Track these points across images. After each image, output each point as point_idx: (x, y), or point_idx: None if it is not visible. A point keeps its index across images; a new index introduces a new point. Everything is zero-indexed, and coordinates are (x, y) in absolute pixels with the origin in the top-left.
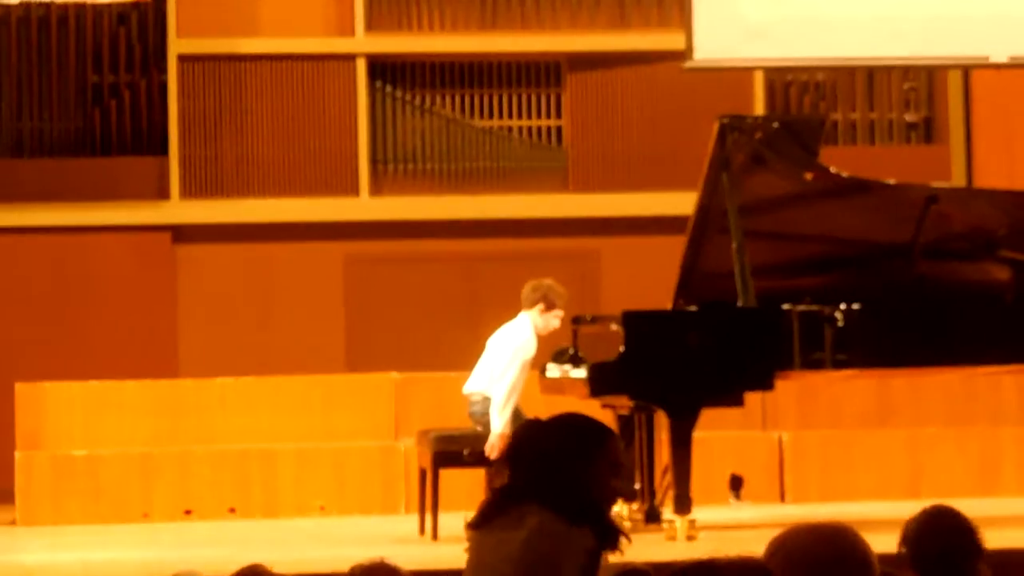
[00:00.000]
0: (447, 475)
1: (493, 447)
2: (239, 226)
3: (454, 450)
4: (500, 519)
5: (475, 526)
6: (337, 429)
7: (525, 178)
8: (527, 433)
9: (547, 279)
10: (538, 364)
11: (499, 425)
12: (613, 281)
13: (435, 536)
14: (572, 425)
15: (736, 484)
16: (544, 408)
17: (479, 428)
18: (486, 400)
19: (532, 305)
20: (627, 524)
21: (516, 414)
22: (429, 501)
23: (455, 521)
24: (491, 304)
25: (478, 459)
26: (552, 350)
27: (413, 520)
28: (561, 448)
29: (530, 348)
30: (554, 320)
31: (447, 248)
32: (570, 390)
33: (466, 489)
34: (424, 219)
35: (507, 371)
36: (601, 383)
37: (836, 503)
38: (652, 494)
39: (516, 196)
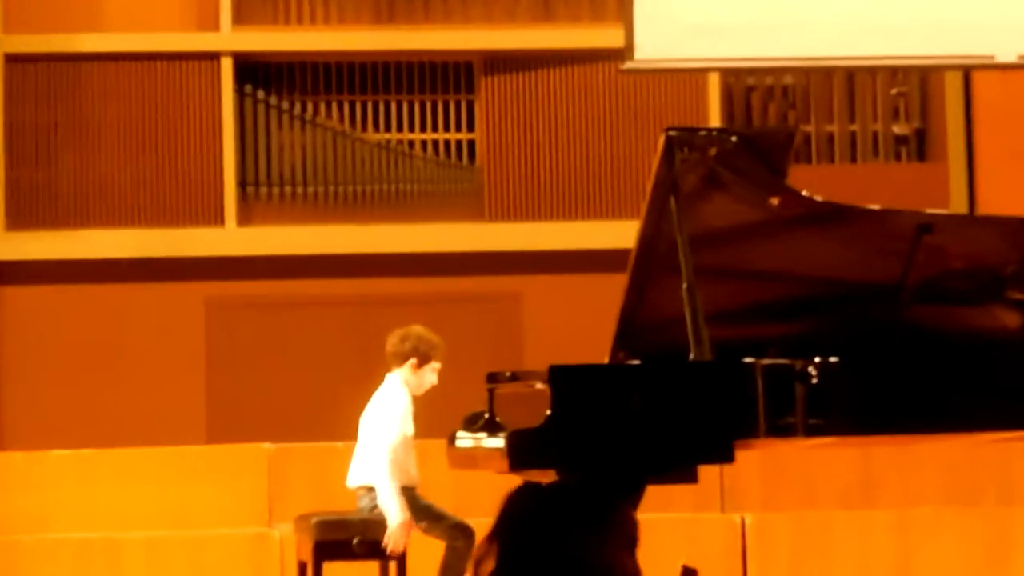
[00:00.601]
0: (333, 570)
1: (395, 540)
2: (76, 263)
3: (341, 538)
4: None
5: None
6: (197, 513)
7: (429, 204)
8: (519, 504)
9: (415, 326)
10: (445, 431)
11: (395, 513)
12: (537, 329)
13: None
14: (574, 493)
15: None
16: (451, 486)
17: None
18: (371, 492)
19: (402, 361)
20: None
21: (413, 500)
22: None
23: None
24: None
25: (370, 550)
26: (462, 415)
27: None
28: (564, 522)
29: (405, 411)
30: (430, 375)
31: (332, 290)
32: (485, 463)
33: None
34: (304, 254)
35: (384, 447)
36: (523, 454)
37: None
38: None
39: (418, 226)
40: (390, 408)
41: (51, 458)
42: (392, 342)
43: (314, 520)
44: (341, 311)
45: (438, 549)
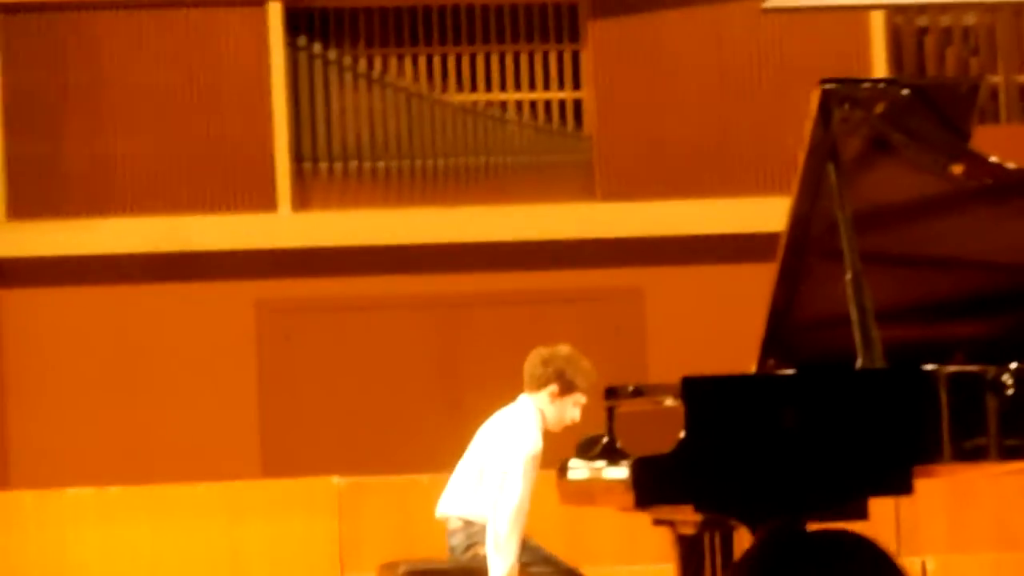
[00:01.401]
0: None
1: None
2: (92, 259)
3: None
4: None
5: None
6: (251, 563)
7: (528, 181)
8: (773, 554)
9: (564, 347)
10: (556, 458)
11: (502, 567)
12: (663, 332)
13: None
14: (850, 552)
15: None
16: (562, 526)
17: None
18: (471, 526)
19: (540, 386)
20: None
21: (524, 545)
22: None
23: None
24: (477, 372)
25: None
26: (577, 439)
27: None
28: None
29: (535, 450)
30: (573, 409)
31: (410, 288)
32: (604, 498)
33: None
34: (374, 244)
35: (507, 485)
36: (651, 487)
37: None
38: None
39: (514, 208)
40: (519, 438)
41: (68, 497)
42: (532, 362)
43: (402, 569)
44: (421, 314)
45: None
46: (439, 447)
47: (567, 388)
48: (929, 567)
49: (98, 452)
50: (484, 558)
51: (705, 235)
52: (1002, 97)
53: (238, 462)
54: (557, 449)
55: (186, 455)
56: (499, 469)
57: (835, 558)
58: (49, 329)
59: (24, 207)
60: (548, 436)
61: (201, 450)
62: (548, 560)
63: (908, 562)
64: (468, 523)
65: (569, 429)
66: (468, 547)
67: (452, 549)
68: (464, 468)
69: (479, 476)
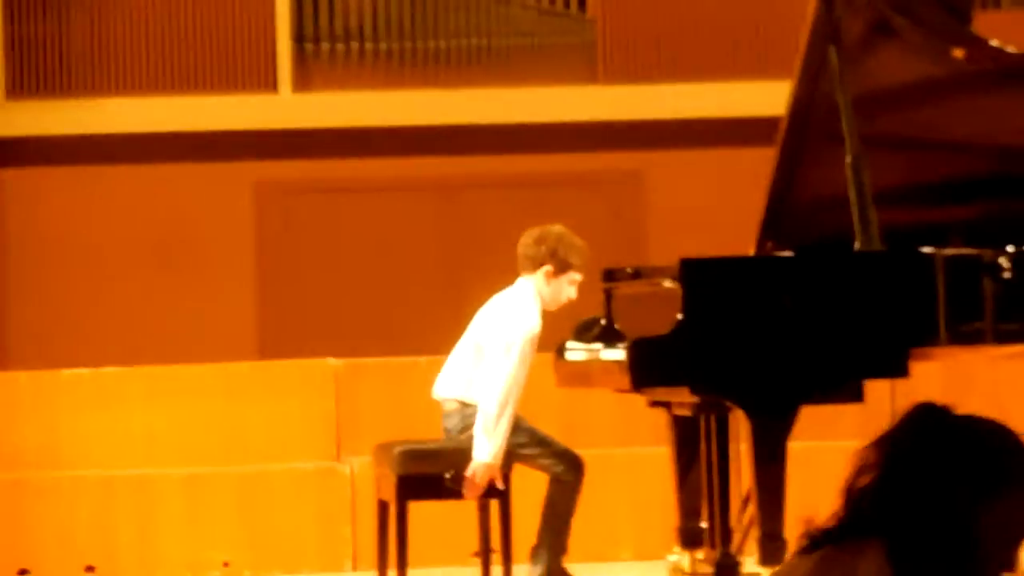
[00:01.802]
0: (419, 511)
1: (474, 481)
2: (93, 139)
3: (430, 473)
4: (829, 551)
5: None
6: (248, 445)
7: (529, 63)
8: (923, 432)
9: (556, 226)
10: (553, 341)
11: (488, 449)
12: (663, 215)
13: None
14: (994, 437)
15: None
16: (558, 407)
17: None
18: (467, 408)
19: (536, 266)
20: None
21: (516, 422)
22: (393, 550)
23: None
24: (476, 255)
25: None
26: (574, 321)
27: None
28: (963, 472)
29: (533, 331)
30: (569, 288)
31: (410, 171)
32: (601, 379)
33: (448, 531)
34: (375, 126)
35: (501, 367)
36: (648, 368)
37: None
38: (726, 535)
39: (515, 91)
40: (516, 319)
41: (65, 378)
42: (525, 243)
43: (397, 450)
44: (421, 196)
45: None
46: (437, 329)
47: (562, 267)
48: None
49: (95, 333)
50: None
51: (707, 119)
52: None
53: (235, 343)
54: (554, 331)
55: (183, 336)
56: (497, 350)
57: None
58: (48, 209)
59: (24, 86)
60: (545, 319)
61: (198, 331)
62: (542, 442)
63: None
64: (464, 404)
65: (567, 311)
66: (463, 429)
67: (447, 431)
68: (461, 350)
69: (476, 358)
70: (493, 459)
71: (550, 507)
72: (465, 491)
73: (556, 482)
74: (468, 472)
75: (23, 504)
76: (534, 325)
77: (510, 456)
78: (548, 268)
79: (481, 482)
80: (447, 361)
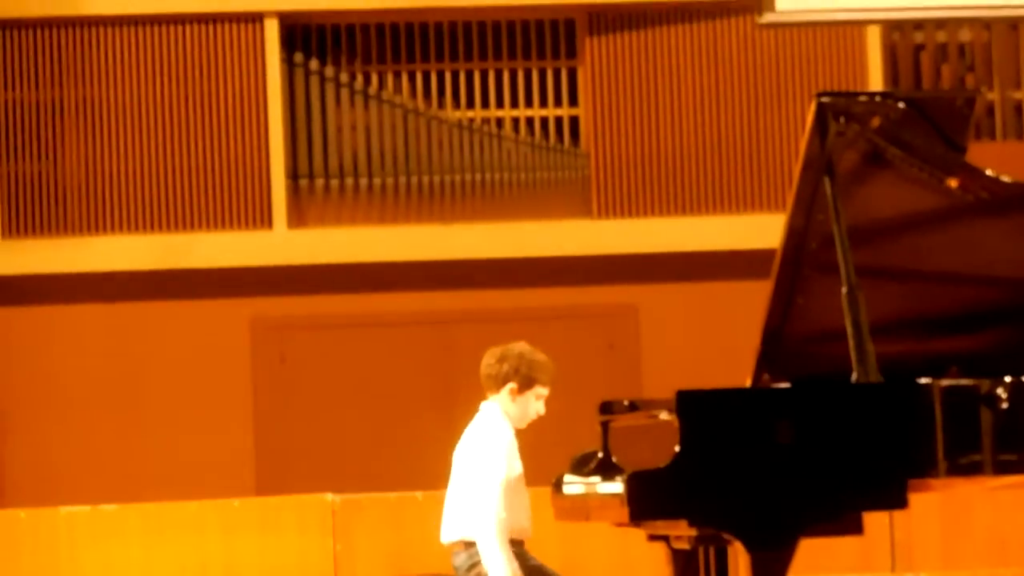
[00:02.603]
0: None
1: None
2: (88, 277)
3: None
4: None
5: None
6: None
7: (524, 198)
8: None
9: (517, 343)
10: (551, 475)
11: (503, 572)
12: (657, 348)
13: None
14: None
15: None
16: (558, 542)
17: None
18: (470, 547)
19: (499, 386)
20: None
21: (521, 558)
22: None
23: None
24: (472, 389)
25: None
26: (571, 454)
27: None
28: None
29: (511, 457)
30: (536, 403)
31: (406, 306)
32: (600, 513)
33: None
34: (370, 261)
35: (486, 493)
36: (646, 502)
37: None
38: None
39: (510, 225)
40: (491, 441)
41: (63, 516)
42: (487, 363)
43: None
44: (417, 332)
45: None
46: (433, 464)
47: (527, 383)
48: None
49: (93, 470)
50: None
51: (700, 252)
52: (998, 114)
53: (233, 480)
54: (552, 465)
55: (181, 473)
56: (478, 482)
57: None
58: (45, 346)
59: (20, 225)
60: (543, 454)
61: (196, 468)
62: None
63: None
64: (468, 544)
65: (564, 445)
66: (471, 567)
67: (456, 569)
68: (452, 492)
69: (466, 497)
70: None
71: None
72: None
73: None
74: None
75: None
76: (507, 452)
77: None
78: (512, 386)
79: None
80: (445, 505)
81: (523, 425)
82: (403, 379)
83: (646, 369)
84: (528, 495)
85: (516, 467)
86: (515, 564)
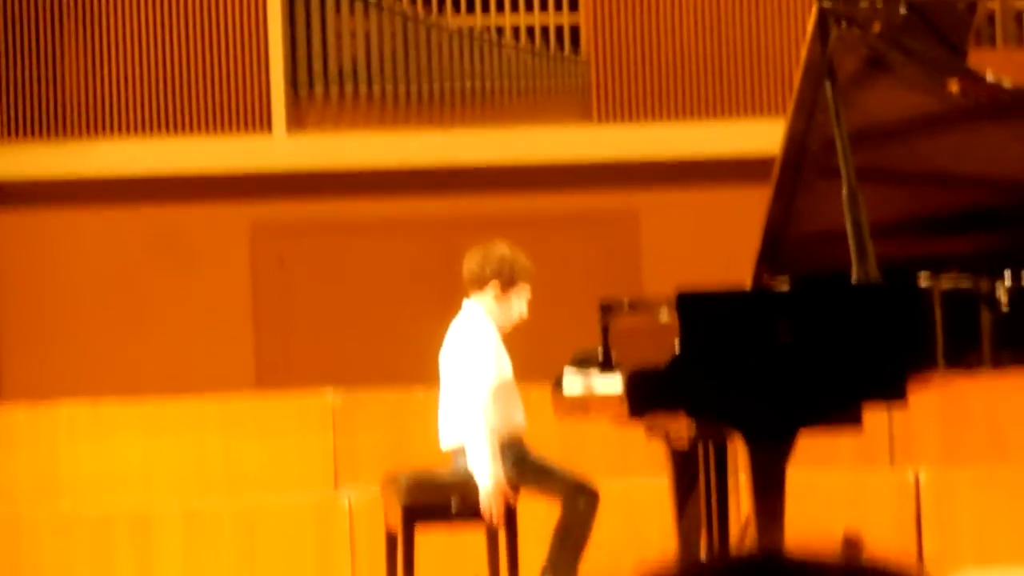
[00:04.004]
0: (427, 540)
1: (489, 507)
2: (88, 182)
3: (435, 502)
4: None
5: None
6: (246, 477)
7: (524, 105)
8: None
9: (497, 243)
10: (551, 373)
11: (485, 474)
12: (658, 252)
13: None
14: None
15: (851, 548)
16: (558, 439)
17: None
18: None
19: (481, 286)
20: None
21: (515, 449)
22: None
23: None
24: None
25: (473, 513)
26: (571, 353)
27: None
28: None
29: (499, 356)
30: (518, 303)
31: (405, 211)
32: (599, 410)
33: (456, 561)
34: (369, 167)
35: (473, 394)
36: (645, 398)
37: (999, 572)
38: None
39: (510, 131)
40: (476, 342)
41: (62, 411)
42: (468, 264)
43: (403, 479)
44: (416, 237)
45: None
46: (432, 362)
47: (508, 283)
48: (922, 477)
49: (94, 373)
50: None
51: (701, 158)
52: (998, 21)
53: (232, 376)
54: (552, 364)
55: (181, 376)
56: (464, 383)
57: None
58: (45, 250)
59: (18, 129)
60: (544, 351)
61: (196, 370)
62: (555, 472)
63: (900, 473)
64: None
65: (565, 344)
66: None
67: (455, 474)
68: (443, 396)
69: (457, 399)
70: (494, 479)
71: (563, 533)
72: (485, 520)
73: (570, 510)
74: (481, 504)
75: (20, 538)
76: (494, 352)
77: (518, 485)
78: (495, 285)
79: (496, 507)
80: (439, 411)
81: (507, 326)
82: (401, 283)
83: (646, 275)
84: (518, 391)
85: (504, 365)
86: (500, 467)
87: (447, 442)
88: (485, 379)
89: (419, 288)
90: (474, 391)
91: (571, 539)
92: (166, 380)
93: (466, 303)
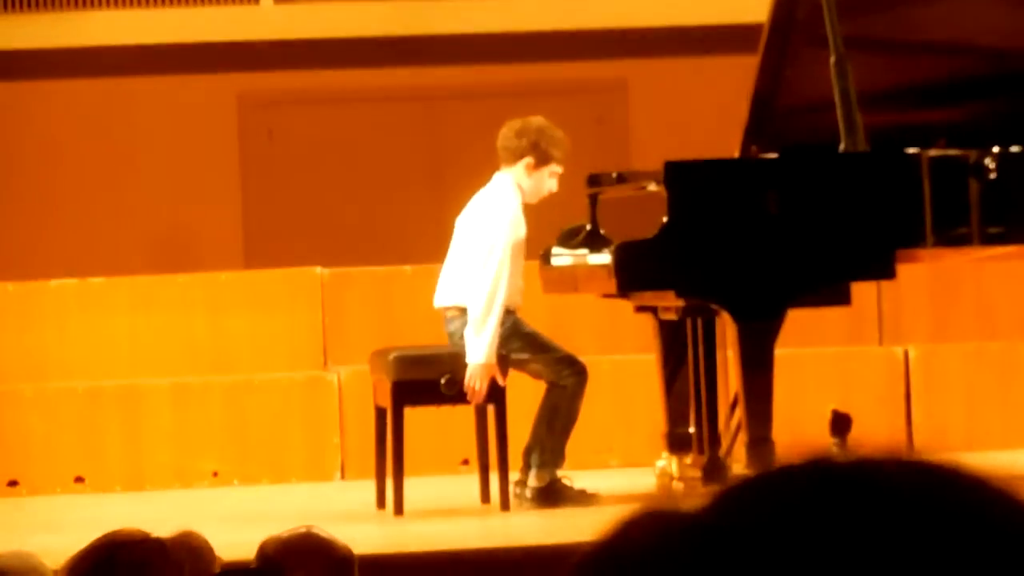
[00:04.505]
0: (417, 417)
1: (473, 383)
2: (76, 52)
3: (425, 378)
4: None
5: None
6: (235, 353)
7: None
8: None
9: (537, 118)
10: (539, 247)
11: (480, 349)
12: (646, 123)
13: (399, 510)
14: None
15: (840, 425)
16: (546, 314)
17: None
18: (467, 313)
19: (515, 159)
20: (678, 485)
21: (514, 326)
22: (390, 456)
23: (427, 489)
24: (462, 163)
25: (461, 392)
26: (559, 227)
27: (359, 488)
28: None
29: (517, 224)
30: (550, 180)
31: (395, 80)
32: (587, 284)
33: (443, 438)
34: (357, 36)
35: (487, 265)
36: (634, 272)
37: (988, 451)
38: (715, 440)
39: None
40: (499, 209)
41: (51, 289)
42: (505, 135)
43: (393, 356)
44: (404, 106)
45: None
46: (422, 237)
47: (543, 159)
48: (911, 355)
49: (81, 244)
50: None
51: (690, 25)
52: None
53: (221, 254)
54: (540, 238)
55: (169, 248)
56: (481, 250)
57: None
58: (29, 122)
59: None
60: (530, 225)
61: (184, 243)
62: (543, 347)
63: (890, 351)
64: (464, 310)
65: (553, 217)
66: (464, 334)
67: (450, 336)
68: (452, 256)
69: (467, 262)
70: (487, 359)
71: (551, 412)
72: (468, 397)
73: (557, 388)
74: (467, 378)
75: (10, 416)
76: (513, 219)
77: (506, 361)
78: (529, 160)
79: (481, 385)
80: (443, 270)
81: (535, 200)
82: (391, 155)
83: (634, 144)
84: (524, 266)
85: (521, 234)
86: (495, 340)
87: (443, 300)
88: (502, 244)
89: (408, 158)
90: (492, 257)
91: (559, 418)
92: (154, 258)
93: (497, 175)
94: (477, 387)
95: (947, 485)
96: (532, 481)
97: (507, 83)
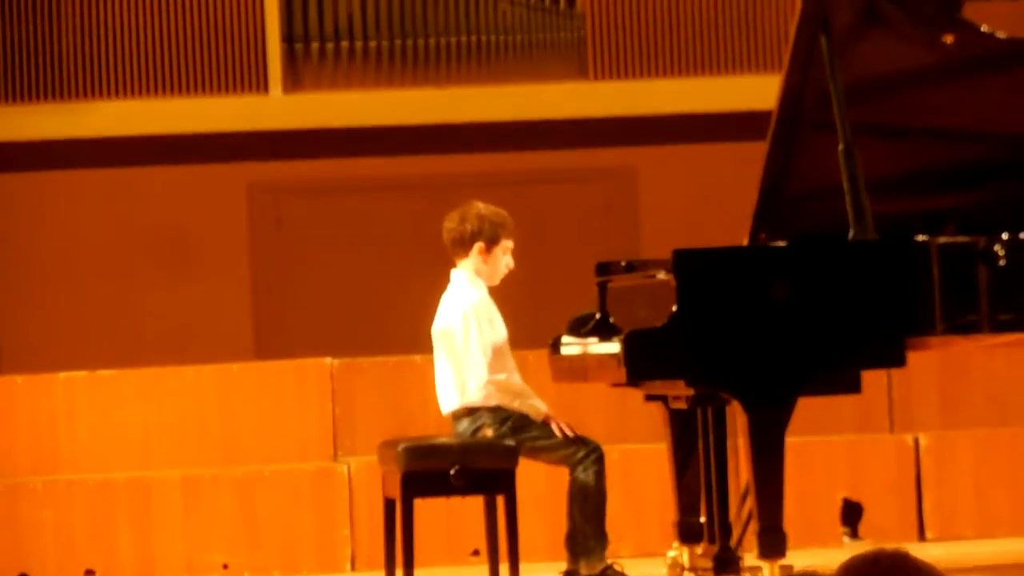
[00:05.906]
0: (424, 507)
1: (557, 427)
2: (84, 143)
3: (435, 469)
4: None
5: None
6: (245, 445)
7: (520, 60)
8: None
9: (474, 202)
10: (548, 336)
11: (534, 405)
12: (655, 211)
13: None
14: None
15: (851, 514)
16: (555, 403)
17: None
18: (472, 412)
19: (467, 248)
20: None
21: (525, 416)
22: (399, 548)
23: None
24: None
25: (472, 481)
26: (568, 316)
27: None
28: None
29: (484, 311)
30: (505, 257)
31: (403, 169)
32: (597, 374)
33: (453, 529)
34: (366, 125)
35: (472, 362)
36: (643, 361)
37: (999, 538)
38: (725, 530)
39: (506, 88)
40: (469, 307)
41: (61, 382)
42: (449, 228)
43: (402, 447)
44: (413, 195)
45: (556, 480)
46: (431, 327)
47: (493, 239)
48: (922, 443)
49: (91, 336)
50: (487, 438)
51: (698, 114)
52: None
53: (231, 345)
54: (549, 327)
55: (179, 338)
56: (462, 350)
57: None
58: (41, 213)
59: (15, 91)
60: (540, 315)
61: (194, 333)
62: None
63: (901, 438)
64: (469, 409)
65: (562, 307)
66: (475, 431)
67: (460, 436)
68: (439, 363)
69: (455, 363)
70: (544, 407)
71: (580, 496)
72: (567, 432)
73: (581, 471)
74: (553, 428)
75: (21, 508)
76: (481, 304)
77: (520, 448)
78: (480, 245)
79: (562, 423)
80: (436, 380)
81: (496, 281)
82: (400, 243)
83: (644, 232)
84: (512, 356)
85: (498, 327)
86: (527, 389)
87: (448, 406)
88: (485, 344)
89: (416, 246)
90: (477, 357)
91: (589, 501)
92: (163, 349)
93: (454, 273)
94: (563, 426)
95: None
96: (583, 570)
97: (516, 171)
